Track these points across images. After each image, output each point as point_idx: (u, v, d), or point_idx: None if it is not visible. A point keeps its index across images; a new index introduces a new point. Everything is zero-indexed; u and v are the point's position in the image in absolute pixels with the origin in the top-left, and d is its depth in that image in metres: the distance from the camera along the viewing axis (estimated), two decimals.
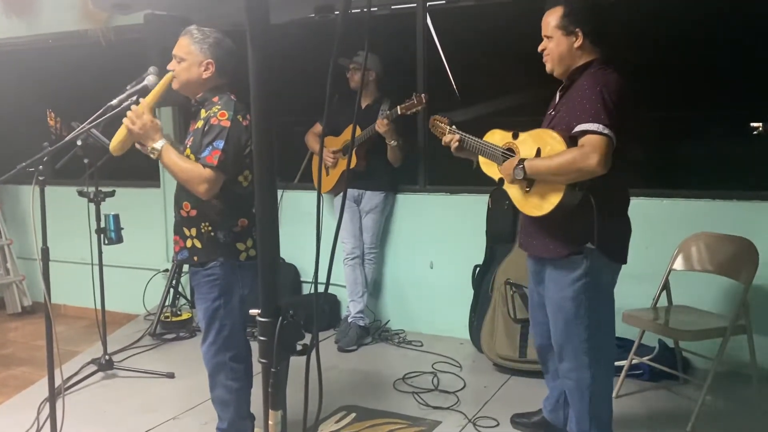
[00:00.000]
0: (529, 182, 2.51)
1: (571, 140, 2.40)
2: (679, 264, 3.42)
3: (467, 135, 2.79)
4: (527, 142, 2.57)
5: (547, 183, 2.45)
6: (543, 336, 2.83)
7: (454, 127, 2.85)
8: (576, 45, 2.49)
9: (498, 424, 3.14)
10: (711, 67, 3.96)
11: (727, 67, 3.89)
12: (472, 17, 4.42)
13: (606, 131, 2.30)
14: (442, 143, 2.89)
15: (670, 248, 3.45)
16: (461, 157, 2.88)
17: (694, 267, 3.39)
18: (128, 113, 2.51)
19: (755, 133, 4.36)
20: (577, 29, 2.48)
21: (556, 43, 2.52)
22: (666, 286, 3.41)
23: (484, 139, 2.74)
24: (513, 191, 2.60)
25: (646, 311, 3.34)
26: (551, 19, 2.53)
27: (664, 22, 3.95)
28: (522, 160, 2.48)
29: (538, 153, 2.49)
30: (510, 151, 2.63)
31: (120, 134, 2.56)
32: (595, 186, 2.40)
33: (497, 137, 2.70)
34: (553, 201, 2.42)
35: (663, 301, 3.42)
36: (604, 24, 2.53)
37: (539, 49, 2.60)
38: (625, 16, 4.04)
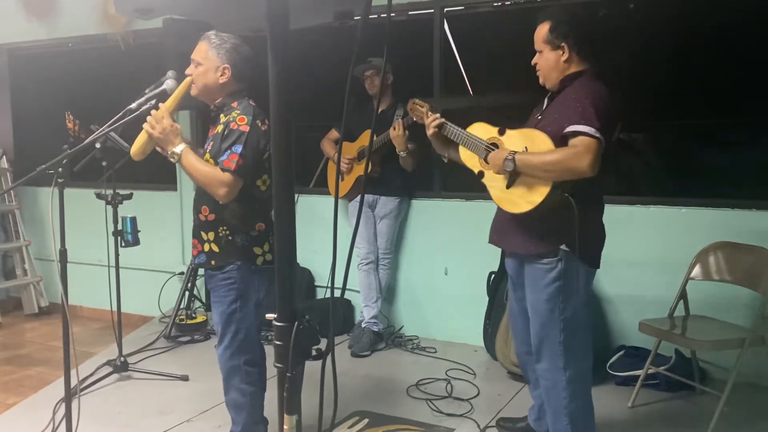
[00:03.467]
0: (511, 179, 2.51)
1: (561, 141, 2.42)
2: (696, 273, 3.38)
3: (450, 123, 2.77)
4: (515, 139, 2.57)
5: (530, 181, 2.46)
6: (523, 344, 2.85)
7: (438, 114, 2.82)
8: (563, 58, 2.56)
9: None
10: (731, 74, 3.92)
11: (747, 74, 3.85)
12: (490, 23, 4.41)
13: (597, 134, 2.34)
14: (425, 125, 2.83)
15: (687, 257, 3.41)
16: (433, 147, 2.85)
17: (712, 277, 3.36)
18: (148, 118, 2.54)
19: None
20: (563, 43, 2.55)
21: (545, 57, 2.60)
22: (683, 296, 3.38)
23: (466, 130, 2.73)
24: (492, 185, 2.60)
25: (662, 321, 3.31)
26: (540, 34, 2.60)
27: (685, 30, 3.92)
28: (513, 153, 2.48)
29: (525, 151, 2.51)
30: (494, 146, 2.62)
31: (140, 139, 2.58)
32: (575, 189, 2.42)
33: (479, 130, 2.70)
34: (534, 200, 2.44)
35: (680, 311, 3.39)
36: (589, 37, 2.59)
37: (532, 63, 2.65)
38: (644, 24, 4.03)
